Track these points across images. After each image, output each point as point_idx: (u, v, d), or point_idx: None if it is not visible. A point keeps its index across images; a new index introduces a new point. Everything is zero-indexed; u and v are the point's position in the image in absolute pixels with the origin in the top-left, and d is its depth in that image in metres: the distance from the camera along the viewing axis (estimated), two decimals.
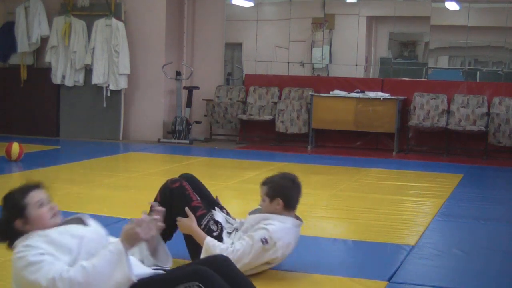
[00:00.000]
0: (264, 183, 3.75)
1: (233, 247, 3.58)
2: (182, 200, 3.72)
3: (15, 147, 7.89)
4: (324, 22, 10.96)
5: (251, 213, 3.83)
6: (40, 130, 10.76)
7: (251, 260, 3.57)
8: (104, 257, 2.59)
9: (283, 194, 3.69)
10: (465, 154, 9.73)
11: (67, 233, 2.70)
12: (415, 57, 11.08)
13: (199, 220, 3.69)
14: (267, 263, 3.65)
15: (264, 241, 3.59)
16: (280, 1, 11.39)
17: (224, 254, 3.24)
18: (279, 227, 3.65)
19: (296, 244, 3.81)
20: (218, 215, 3.86)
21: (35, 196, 2.77)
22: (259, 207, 3.74)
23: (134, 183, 6.76)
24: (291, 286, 3.67)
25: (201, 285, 2.60)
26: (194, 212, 3.70)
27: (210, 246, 3.56)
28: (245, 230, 3.72)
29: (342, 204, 6.01)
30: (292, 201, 3.72)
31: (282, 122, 10.20)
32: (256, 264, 3.61)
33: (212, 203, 3.97)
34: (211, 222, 3.75)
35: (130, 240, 2.64)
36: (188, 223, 3.67)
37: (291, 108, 10.16)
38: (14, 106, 10.98)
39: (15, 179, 6.88)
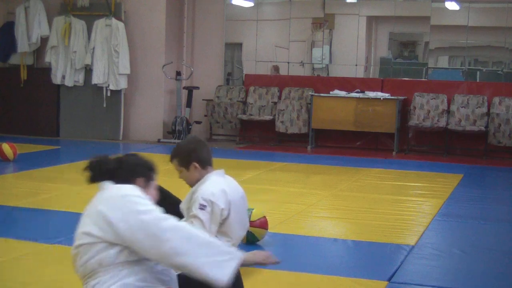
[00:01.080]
0: (172, 157, 3.64)
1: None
2: None
3: (6, 147, 7.87)
4: (324, 22, 10.96)
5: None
6: (40, 130, 10.76)
7: (213, 229, 3.56)
8: (223, 246, 2.60)
9: (194, 157, 3.64)
10: (465, 154, 9.73)
11: None
12: (415, 57, 11.08)
13: None
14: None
15: (203, 207, 3.59)
16: (280, 1, 11.39)
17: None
18: (204, 187, 3.63)
19: (236, 192, 3.79)
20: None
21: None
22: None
23: None
24: (291, 286, 3.67)
25: None
26: None
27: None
28: (187, 214, 3.68)
29: (342, 204, 6.01)
30: (205, 158, 3.61)
31: (282, 122, 10.20)
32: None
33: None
34: None
35: (251, 257, 2.67)
36: None
37: (291, 108, 10.16)
38: (14, 106, 10.98)
39: (15, 179, 6.88)
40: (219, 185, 3.47)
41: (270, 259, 2.71)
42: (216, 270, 2.50)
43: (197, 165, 3.55)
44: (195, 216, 3.41)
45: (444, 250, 4.58)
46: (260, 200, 5.75)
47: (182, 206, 3.61)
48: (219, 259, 2.53)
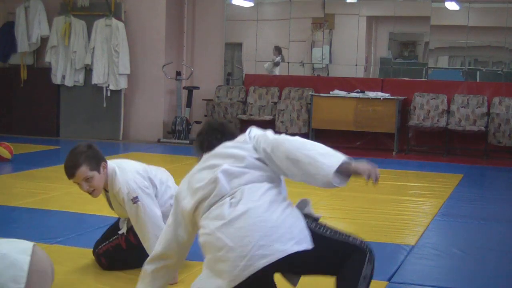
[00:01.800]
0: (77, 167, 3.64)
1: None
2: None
3: (0, 149, 7.86)
4: (324, 22, 10.97)
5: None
6: (40, 130, 10.76)
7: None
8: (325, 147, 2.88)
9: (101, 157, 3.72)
10: (465, 154, 9.73)
11: None
12: (415, 57, 11.08)
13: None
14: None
15: (134, 200, 3.63)
16: (280, 1, 11.39)
17: None
18: (120, 181, 3.66)
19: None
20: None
21: None
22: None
23: None
24: (291, 286, 3.66)
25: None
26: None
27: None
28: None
29: (342, 204, 6.01)
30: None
31: (282, 122, 10.20)
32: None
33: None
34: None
35: (357, 164, 2.91)
36: None
37: (291, 108, 10.16)
38: (14, 106, 10.98)
39: (15, 179, 6.88)
40: (130, 175, 3.70)
41: (374, 173, 2.86)
42: (327, 158, 2.81)
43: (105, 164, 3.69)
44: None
45: (444, 250, 4.58)
46: None
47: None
48: (330, 152, 2.86)
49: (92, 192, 3.67)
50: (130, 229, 3.83)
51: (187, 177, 3.02)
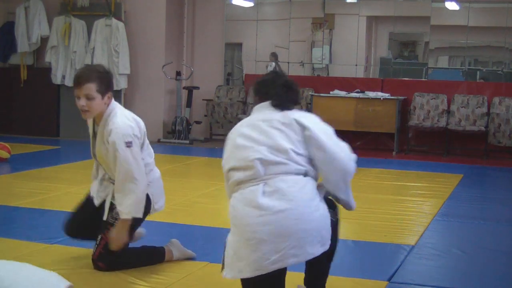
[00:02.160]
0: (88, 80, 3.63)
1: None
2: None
3: None
4: (324, 22, 10.96)
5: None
6: (40, 130, 10.76)
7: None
8: None
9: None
10: (465, 154, 9.73)
11: None
12: (415, 57, 11.08)
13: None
14: None
15: (128, 144, 3.65)
16: (280, 1, 11.39)
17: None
18: (118, 121, 3.68)
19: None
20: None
21: None
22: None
23: None
24: (291, 286, 3.67)
25: None
26: None
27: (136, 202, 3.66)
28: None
29: None
30: None
31: None
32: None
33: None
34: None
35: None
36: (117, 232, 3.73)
37: None
38: (14, 106, 10.97)
39: (14, 179, 6.88)
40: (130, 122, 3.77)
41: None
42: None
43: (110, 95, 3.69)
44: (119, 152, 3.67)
45: (444, 250, 4.58)
46: None
47: None
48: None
49: (85, 112, 3.67)
50: (110, 224, 3.80)
51: (244, 123, 3.14)
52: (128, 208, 3.64)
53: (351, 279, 3.83)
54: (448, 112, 9.77)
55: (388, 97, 9.79)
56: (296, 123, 3.02)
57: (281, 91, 3.14)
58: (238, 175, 2.95)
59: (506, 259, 4.48)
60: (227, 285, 3.44)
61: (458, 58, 10.71)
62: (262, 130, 3.00)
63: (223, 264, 3.00)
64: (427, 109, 9.84)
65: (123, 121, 3.69)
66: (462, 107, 9.72)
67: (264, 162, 2.92)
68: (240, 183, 2.95)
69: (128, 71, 10.40)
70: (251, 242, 2.82)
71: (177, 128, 10.36)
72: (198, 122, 10.74)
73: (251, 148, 2.96)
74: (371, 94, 9.83)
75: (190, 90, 10.69)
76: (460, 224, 5.41)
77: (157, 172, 3.94)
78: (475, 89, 9.88)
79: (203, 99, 10.87)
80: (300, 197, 2.86)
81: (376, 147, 10.13)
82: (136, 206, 3.66)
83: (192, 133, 10.61)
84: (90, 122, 3.89)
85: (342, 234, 5.03)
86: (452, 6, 10.39)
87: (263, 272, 2.82)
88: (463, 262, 4.36)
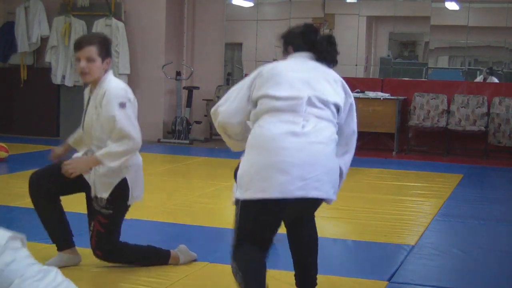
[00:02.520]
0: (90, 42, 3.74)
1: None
2: None
3: None
4: (324, 22, 10.96)
5: None
6: (40, 130, 10.76)
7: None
8: None
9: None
10: (465, 154, 9.73)
11: None
12: (415, 57, 11.08)
13: None
14: None
15: (122, 105, 3.68)
16: (280, 1, 11.39)
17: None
18: (113, 84, 3.74)
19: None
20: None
21: None
22: None
23: None
24: (291, 286, 3.67)
25: None
26: None
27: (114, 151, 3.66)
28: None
29: (342, 204, 6.00)
30: None
31: None
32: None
33: None
34: None
35: None
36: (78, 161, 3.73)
37: None
38: (14, 106, 10.97)
39: (14, 179, 6.88)
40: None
41: None
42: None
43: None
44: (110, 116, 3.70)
45: (444, 250, 4.58)
46: None
47: None
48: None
49: (85, 74, 3.77)
50: (98, 212, 3.80)
51: (288, 65, 3.13)
52: (108, 151, 3.66)
53: (351, 279, 3.83)
54: (448, 112, 9.77)
55: (388, 97, 9.79)
56: (342, 85, 3.11)
57: (328, 47, 3.15)
58: (278, 104, 2.95)
59: (506, 259, 4.48)
60: (227, 285, 3.44)
61: (458, 58, 10.71)
62: (313, 77, 3.04)
63: (236, 187, 2.97)
64: (427, 109, 9.84)
65: (117, 84, 3.80)
66: (462, 107, 9.72)
67: (310, 103, 2.97)
68: (277, 111, 2.95)
69: (128, 71, 10.40)
70: (282, 165, 2.82)
71: (177, 128, 10.36)
72: (198, 122, 10.74)
73: (303, 87, 2.99)
74: (371, 94, 9.83)
75: (190, 90, 10.69)
76: (460, 224, 5.41)
77: (139, 158, 3.90)
78: (475, 89, 9.89)
79: (203, 99, 10.87)
80: (331, 141, 2.99)
81: (376, 147, 10.12)
82: (116, 155, 3.66)
83: (192, 133, 10.61)
84: (86, 92, 3.95)
85: (342, 234, 5.06)
86: (452, 6, 10.39)
87: (287, 196, 2.81)
88: (463, 262, 4.36)
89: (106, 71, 3.78)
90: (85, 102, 3.94)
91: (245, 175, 2.90)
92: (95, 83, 3.80)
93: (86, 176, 3.81)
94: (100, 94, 3.73)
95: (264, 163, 2.85)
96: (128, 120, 3.68)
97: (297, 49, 3.17)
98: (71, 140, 4.09)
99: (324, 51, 3.12)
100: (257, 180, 2.84)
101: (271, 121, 2.93)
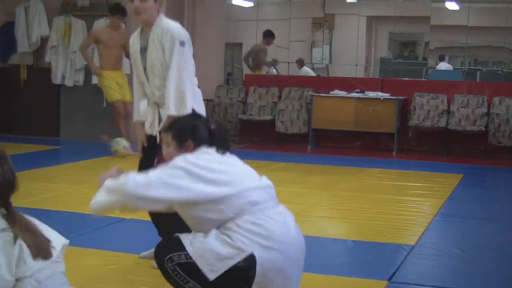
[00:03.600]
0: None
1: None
2: None
3: None
4: (324, 22, 10.98)
5: None
6: (40, 130, 10.75)
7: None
8: None
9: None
10: (465, 154, 9.72)
11: None
12: (415, 57, 11.10)
13: None
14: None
15: (182, 43, 3.81)
16: (280, 1, 11.41)
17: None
18: (172, 23, 3.84)
19: None
20: None
21: None
22: None
23: None
24: None
25: None
26: None
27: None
28: None
29: (342, 204, 6.01)
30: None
31: (282, 122, 10.19)
32: None
33: None
34: None
35: None
36: None
37: (291, 108, 10.16)
38: (14, 106, 10.97)
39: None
40: None
41: None
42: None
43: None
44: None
45: (444, 250, 4.58)
46: None
47: None
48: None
49: (139, 13, 3.77)
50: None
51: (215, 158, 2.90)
52: (175, 100, 3.94)
53: (351, 279, 3.83)
54: (448, 112, 9.77)
55: (388, 97, 9.79)
56: None
57: (227, 137, 3.10)
58: (257, 196, 2.87)
59: (506, 259, 4.48)
60: None
61: (458, 58, 10.72)
62: (243, 165, 2.98)
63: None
64: (427, 109, 9.84)
65: (177, 24, 3.88)
66: (462, 107, 9.72)
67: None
68: (256, 205, 2.86)
69: (128, 71, 10.39)
70: (297, 264, 2.89)
71: None
72: None
73: (256, 174, 2.96)
74: (371, 94, 9.83)
75: None
76: (460, 224, 5.41)
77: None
78: (475, 89, 9.89)
79: (203, 99, 10.85)
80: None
81: (376, 147, 10.12)
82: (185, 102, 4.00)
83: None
84: (135, 38, 3.95)
85: (342, 234, 5.07)
86: (452, 6, 10.40)
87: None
88: (463, 262, 4.36)
89: (158, 11, 3.82)
90: (138, 47, 3.93)
91: (262, 275, 2.82)
92: (149, 24, 3.81)
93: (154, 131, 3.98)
94: (160, 33, 3.78)
95: (283, 262, 2.86)
96: (186, 59, 3.82)
97: (199, 145, 2.97)
98: (135, 116, 4.12)
99: (228, 143, 3.05)
100: (281, 281, 2.88)
101: (271, 216, 2.94)
